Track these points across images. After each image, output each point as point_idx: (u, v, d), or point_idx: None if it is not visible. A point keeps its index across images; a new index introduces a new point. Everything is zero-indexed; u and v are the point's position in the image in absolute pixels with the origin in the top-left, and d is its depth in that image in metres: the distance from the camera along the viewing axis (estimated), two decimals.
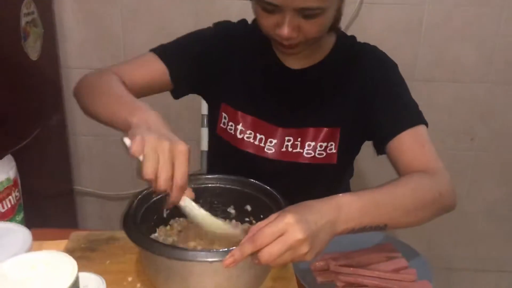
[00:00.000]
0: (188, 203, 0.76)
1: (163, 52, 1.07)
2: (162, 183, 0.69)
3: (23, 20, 1.49)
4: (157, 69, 1.05)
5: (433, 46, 1.80)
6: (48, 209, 1.70)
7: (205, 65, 1.09)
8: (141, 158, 0.69)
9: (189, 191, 0.75)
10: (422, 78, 1.83)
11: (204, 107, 1.49)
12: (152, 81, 1.06)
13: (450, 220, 2.04)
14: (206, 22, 1.15)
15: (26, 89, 1.55)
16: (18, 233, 0.66)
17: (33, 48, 1.56)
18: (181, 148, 0.71)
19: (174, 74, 1.06)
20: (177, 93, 1.12)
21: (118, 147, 1.98)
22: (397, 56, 1.10)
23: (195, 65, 1.09)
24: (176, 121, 1.80)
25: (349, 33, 1.17)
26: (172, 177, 0.70)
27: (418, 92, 1.83)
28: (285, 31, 0.89)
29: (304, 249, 0.66)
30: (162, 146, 0.69)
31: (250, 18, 1.12)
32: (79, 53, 1.85)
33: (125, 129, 0.77)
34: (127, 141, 0.72)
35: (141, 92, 1.03)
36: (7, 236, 0.65)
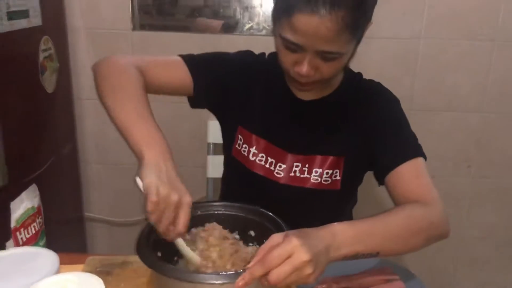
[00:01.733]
0: (180, 243, 0.85)
1: (192, 61, 1.12)
2: (163, 229, 0.80)
3: (41, 56, 1.58)
4: (182, 76, 1.10)
5: (429, 77, 1.88)
6: (58, 235, 1.75)
7: (227, 87, 1.15)
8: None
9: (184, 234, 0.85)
10: (419, 107, 1.91)
11: (211, 136, 1.55)
12: (174, 84, 1.11)
13: (449, 245, 2.08)
14: None
15: (42, 120, 1.64)
16: (47, 256, 0.71)
17: (49, 82, 1.65)
18: (186, 200, 0.81)
19: (197, 85, 1.11)
20: (195, 103, 1.17)
21: (127, 175, 2.05)
22: (395, 87, 1.15)
23: (217, 84, 1.14)
24: (184, 149, 1.87)
25: (349, 64, 1.22)
26: (172, 223, 0.80)
27: (416, 121, 1.90)
28: (304, 69, 0.95)
29: (309, 270, 0.71)
30: (171, 199, 0.79)
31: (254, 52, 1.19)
32: (91, 85, 1.92)
33: (136, 155, 0.85)
34: (139, 182, 0.80)
35: (160, 90, 1.09)
36: (36, 260, 0.71)
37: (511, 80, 1.88)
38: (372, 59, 1.85)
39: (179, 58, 1.12)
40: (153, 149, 0.83)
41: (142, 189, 0.79)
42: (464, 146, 1.97)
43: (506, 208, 2.05)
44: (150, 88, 1.02)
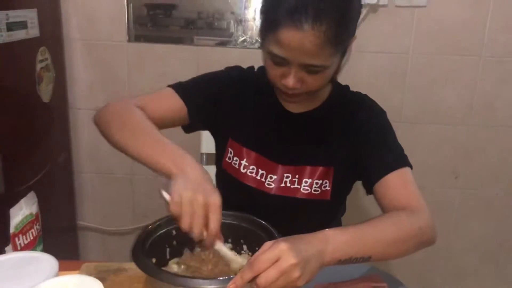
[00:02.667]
0: (219, 247, 0.86)
1: (181, 89, 1.14)
2: (197, 235, 0.81)
3: (38, 66, 1.61)
4: (176, 105, 1.13)
5: (417, 90, 1.93)
6: (52, 243, 1.76)
7: (219, 104, 1.18)
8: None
9: (220, 236, 0.86)
10: (408, 120, 1.95)
11: (204, 146, 1.57)
12: (171, 115, 1.13)
13: (438, 256, 2.12)
14: (206, 68, 1.24)
15: (37, 129, 1.66)
16: (46, 260, 0.73)
17: (45, 91, 1.67)
18: (214, 200, 0.82)
19: (191, 112, 1.14)
20: (190, 128, 1.20)
21: (120, 184, 2.08)
22: (384, 100, 1.18)
23: (209, 104, 1.17)
24: None
25: (339, 77, 1.23)
26: (205, 227, 0.81)
27: (405, 133, 1.97)
28: (290, 82, 0.98)
29: (296, 273, 0.73)
30: (197, 201, 0.80)
31: (245, 64, 1.22)
32: (86, 95, 1.96)
33: (165, 175, 0.87)
34: (166, 195, 0.81)
35: (160, 124, 1.09)
36: (35, 264, 0.73)
37: (496, 94, 1.93)
38: (362, 73, 1.90)
39: (170, 89, 1.14)
40: (178, 163, 0.86)
41: (167, 198, 0.80)
42: (452, 157, 2.01)
43: (493, 218, 2.09)
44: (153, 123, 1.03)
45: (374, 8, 1.83)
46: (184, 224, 0.80)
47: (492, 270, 2.17)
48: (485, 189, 2.05)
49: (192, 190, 0.81)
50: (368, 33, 1.86)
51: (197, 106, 1.15)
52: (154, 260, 0.88)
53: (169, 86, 1.16)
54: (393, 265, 2.02)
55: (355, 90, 1.20)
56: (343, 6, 0.93)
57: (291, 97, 1.05)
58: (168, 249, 0.95)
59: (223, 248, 0.86)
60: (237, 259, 0.88)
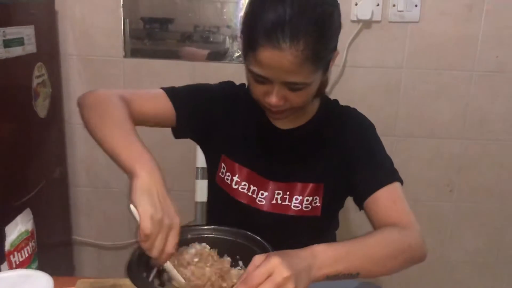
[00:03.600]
0: (168, 266, 0.87)
1: (173, 93, 1.15)
2: (155, 253, 0.81)
3: (35, 82, 1.62)
4: (165, 107, 1.12)
5: (411, 105, 1.94)
6: (47, 258, 1.76)
7: (209, 116, 1.18)
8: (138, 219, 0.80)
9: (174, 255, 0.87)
10: (402, 134, 1.96)
11: (199, 160, 1.57)
12: (158, 115, 1.13)
13: (433, 269, 2.12)
14: (202, 82, 1.24)
15: (34, 144, 1.66)
16: (41, 279, 0.73)
17: (41, 107, 1.68)
18: (177, 221, 0.83)
19: (179, 117, 1.14)
20: (178, 134, 1.19)
21: (116, 199, 2.08)
22: (379, 114, 1.19)
23: (200, 115, 1.17)
24: (172, 173, 1.89)
25: (334, 93, 1.24)
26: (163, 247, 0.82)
27: (399, 147, 1.99)
28: (273, 100, 0.99)
29: (291, 286, 0.73)
30: (164, 224, 0.81)
31: (241, 79, 1.21)
32: None
33: (128, 173, 0.86)
34: (134, 210, 0.81)
35: (144, 121, 1.10)
36: (31, 282, 0.72)
37: (489, 108, 1.95)
38: (356, 88, 1.92)
39: (161, 91, 1.15)
40: (144, 166, 0.84)
41: (137, 217, 0.80)
42: (446, 171, 2.02)
43: (488, 231, 2.10)
44: (134, 118, 1.02)
45: (367, 24, 1.85)
46: (146, 246, 0.80)
47: (487, 283, 2.17)
48: (479, 202, 2.06)
49: (161, 211, 0.81)
50: (361, 49, 1.88)
51: (186, 111, 1.15)
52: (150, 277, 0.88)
53: (161, 88, 1.16)
54: (389, 278, 2.01)
55: (350, 105, 1.20)
56: (321, 23, 0.93)
57: (276, 114, 1.05)
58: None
59: (169, 267, 0.87)
60: (179, 278, 0.88)
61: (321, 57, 0.95)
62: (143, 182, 0.82)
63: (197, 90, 1.20)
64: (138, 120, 1.05)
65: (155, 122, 1.14)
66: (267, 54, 0.91)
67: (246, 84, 1.07)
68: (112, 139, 0.92)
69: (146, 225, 0.78)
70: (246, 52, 0.98)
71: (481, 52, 1.88)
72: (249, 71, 0.99)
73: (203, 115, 1.17)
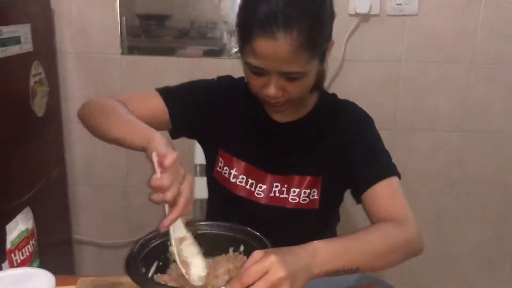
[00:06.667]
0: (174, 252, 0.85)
1: (166, 92, 1.15)
2: (171, 198, 0.79)
3: (32, 80, 1.61)
4: (158, 107, 1.13)
5: (410, 98, 1.94)
6: (47, 257, 1.76)
7: (205, 113, 1.18)
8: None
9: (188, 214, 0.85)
10: (402, 127, 1.95)
11: (197, 157, 1.57)
12: (152, 117, 1.12)
13: (435, 262, 2.12)
14: (200, 78, 1.23)
15: (32, 143, 1.65)
16: (43, 277, 0.72)
17: (39, 106, 1.67)
18: (189, 177, 0.83)
19: (173, 115, 1.14)
20: (174, 134, 1.19)
21: (115, 197, 2.07)
22: (378, 108, 1.19)
23: (195, 111, 1.17)
24: None
25: (333, 87, 1.24)
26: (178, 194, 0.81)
27: (399, 141, 1.98)
28: (271, 91, 0.99)
29: (285, 286, 0.72)
30: (180, 171, 0.81)
31: (239, 74, 1.20)
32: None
33: (143, 145, 0.86)
34: (155, 157, 0.81)
35: None
36: (33, 280, 0.72)
37: (489, 100, 1.94)
38: (355, 82, 1.91)
39: (155, 92, 1.15)
40: (158, 134, 0.87)
41: (156, 163, 0.80)
42: (447, 164, 2.02)
43: (490, 224, 2.10)
44: None
45: (365, 17, 1.85)
46: (163, 181, 0.78)
47: (489, 275, 2.17)
48: (480, 194, 2.06)
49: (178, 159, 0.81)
50: (360, 42, 1.88)
51: (180, 111, 1.15)
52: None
53: (156, 89, 1.16)
54: (390, 272, 2.01)
55: (349, 99, 1.19)
56: (314, 10, 0.94)
57: (275, 106, 1.06)
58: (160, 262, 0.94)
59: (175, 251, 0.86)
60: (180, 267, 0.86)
61: (315, 44, 0.95)
62: (161, 139, 0.84)
63: (190, 88, 1.20)
64: None
65: (150, 124, 1.13)
66: (262, 45, 0.92)
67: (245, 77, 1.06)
68: (119, 126, 0.95)
69: (172, 156, 0.78)
70: (242, 45, 0.99)
71: (480, 44, 1.87)
72: (246, 64, 1.00)
73: (198, 112, 1.17)
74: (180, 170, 0.81)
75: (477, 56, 1.89)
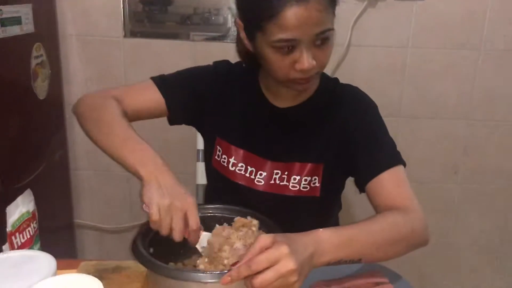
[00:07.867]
0: (202, 239, 0.88)
1: (161, 81, 1.14)
2: (177, 235, 0.84)
3: (33, 62, 1.59)
4: (154, 97, 1.13)
5: (416, 85, 1.91)
6: (49, 241, 1.75)
7: (202, 100, 1.16)
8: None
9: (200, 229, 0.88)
10: (407, 115, 1.93)
11: (200, 143, 1.55)
12: (149, 107, 1.13)
13: (438, 250, 2.12)
14: (202, 63, 1.22)
15: (33, 126, 1.64)
16: (43, 259, 0.71)
17: (41, 88, 1.66)
18: (190, 200, 0.85)
19: (169, 103, 1.13)
20: (172, 121, 1.19)
21: (117, 181, 2.06)
22: (383, 95, 1.17)
23: (191, 98, 1.16)
24: (173, 155, 1.86)
25: (338, 72, 1.21)
26: (185, 228, 0.85)
27: (404, 128, 1.96)
28: (305, 63, 0.94)
29: (294, 278, 0.72)
30: (176, 206, 0.84)
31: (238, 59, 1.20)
32: (82, 91, 1.93)
33: (134, 174, 0.90)
34: (146, 208, 0.86)
35: (139, 116, 1.11)
36: (34, 263, 0.71)
37: (496, 88, 1.92)
38: (361, 67, 1.89)
39: (150, 81, 1.14)
40: (147, 166, 0.88)
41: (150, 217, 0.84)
42: (451, 153, 2.00)
43: (493, 213, 2.09)
44: (128, 116, 1.04)
45: (372, 2, 1.82)
46: (164, 231, 0.84)
47: (492, 265, 2.17)
48: (484, 184, 2.05)
49: (168, 196, 0.84)
50: (367, 27, 1.85)
51: (177, 99, 1.14)
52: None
53: (151, 78, 1.15)
54: (392, 261, 2.01)
55: (354, 84, 1.16)
56: None
57: (307, 83, 1.01)
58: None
59: (204, 240, 0.89)
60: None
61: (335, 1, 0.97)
62: (148, 180, 0.87)
63: (186, 76, 1.18)
64: (132, 116, 1.08)
65: (149, 115, 1.15)
66: (295, 13, 0.90)
67: (266, 63, 1.01)
68: (111, 144, 0.97)
69: (152, 212, 0.83)
70: (260, 26, 0.94)
71: (488, 30, 1.84)
72: (270, 46, 0.95)
73: (194, 100, 1.16)
74: (174, 205, 0.84)
75: (485, 43, 1.86)
